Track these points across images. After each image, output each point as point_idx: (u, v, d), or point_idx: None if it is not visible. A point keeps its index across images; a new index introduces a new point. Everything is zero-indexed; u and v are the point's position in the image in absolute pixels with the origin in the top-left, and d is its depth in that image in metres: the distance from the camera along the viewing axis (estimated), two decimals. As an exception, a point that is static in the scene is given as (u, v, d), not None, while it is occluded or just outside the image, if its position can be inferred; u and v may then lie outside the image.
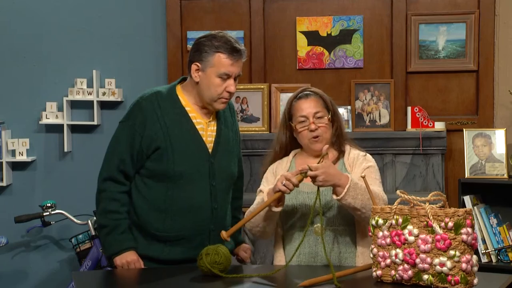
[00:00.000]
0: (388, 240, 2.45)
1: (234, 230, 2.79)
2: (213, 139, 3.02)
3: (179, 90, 3.04)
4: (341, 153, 2.96)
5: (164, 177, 2.95)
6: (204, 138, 2.99)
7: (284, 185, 2.70)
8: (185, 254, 2.97)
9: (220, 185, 3.01)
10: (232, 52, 2.91)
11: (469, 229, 2.33)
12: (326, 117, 2.91)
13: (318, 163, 2.73)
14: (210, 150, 3.00)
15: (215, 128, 3.04)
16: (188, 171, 2.95)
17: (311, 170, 2.68)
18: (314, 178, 2.69)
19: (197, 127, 2.99)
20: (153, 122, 2.95)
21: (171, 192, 2.95)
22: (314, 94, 2.96)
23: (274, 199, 2.73)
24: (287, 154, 3.03)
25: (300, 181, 2.71)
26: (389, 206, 2.49)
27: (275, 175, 2.98)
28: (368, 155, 2.99)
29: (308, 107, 2.91)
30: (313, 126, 2.88)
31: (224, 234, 2.73)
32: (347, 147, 2.99)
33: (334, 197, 2.74)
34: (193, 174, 2.96)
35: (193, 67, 2.95)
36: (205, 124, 3.01)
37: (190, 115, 2.99)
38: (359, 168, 2.89)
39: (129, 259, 2.94)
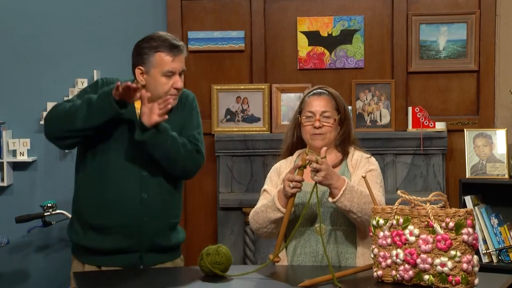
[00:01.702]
0: (389, 240, 2.45)
1: (278, 251, 2.73)
2: None
3: None
4: (345, 155, 2.97)
5: (97, 162, 2.95)
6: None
7: (293, 187, 2.71)
8: (118, 244, 2.96)
9: (152, 173, 2.97)
10: (171, 49, 2.93)
11: (470, 229, 2.33)
12: (333, 118, 2.92)
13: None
14: None
15: None
16: (117, 158, 2.94)
17: (317, 162, 2.68)
18: (316, 172, 2.68)
19: (137, 112, 2.95)
20: None
21: (101, 179, 2.95)
22: (328, 94, 2.96)
23: (292, 204, 2.75)
24: (291, 155, 3.03)
25: (302, 174, 2.71)
26: (390, 206, 2.49)
27: (278, 174, 2.98)
28: (372, 157, 2.98)
29: (317, 104, 2.92)
30: (317, 124, 2.89)
31: (274, 258, 2.70)
32: (351, 149, 2.99)
33: (330, 199, 2.74)
34: (121, 161, 2.95)
35: (137, 71, 2.96)
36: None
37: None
38: (361, 170, 2.88)
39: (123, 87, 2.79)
